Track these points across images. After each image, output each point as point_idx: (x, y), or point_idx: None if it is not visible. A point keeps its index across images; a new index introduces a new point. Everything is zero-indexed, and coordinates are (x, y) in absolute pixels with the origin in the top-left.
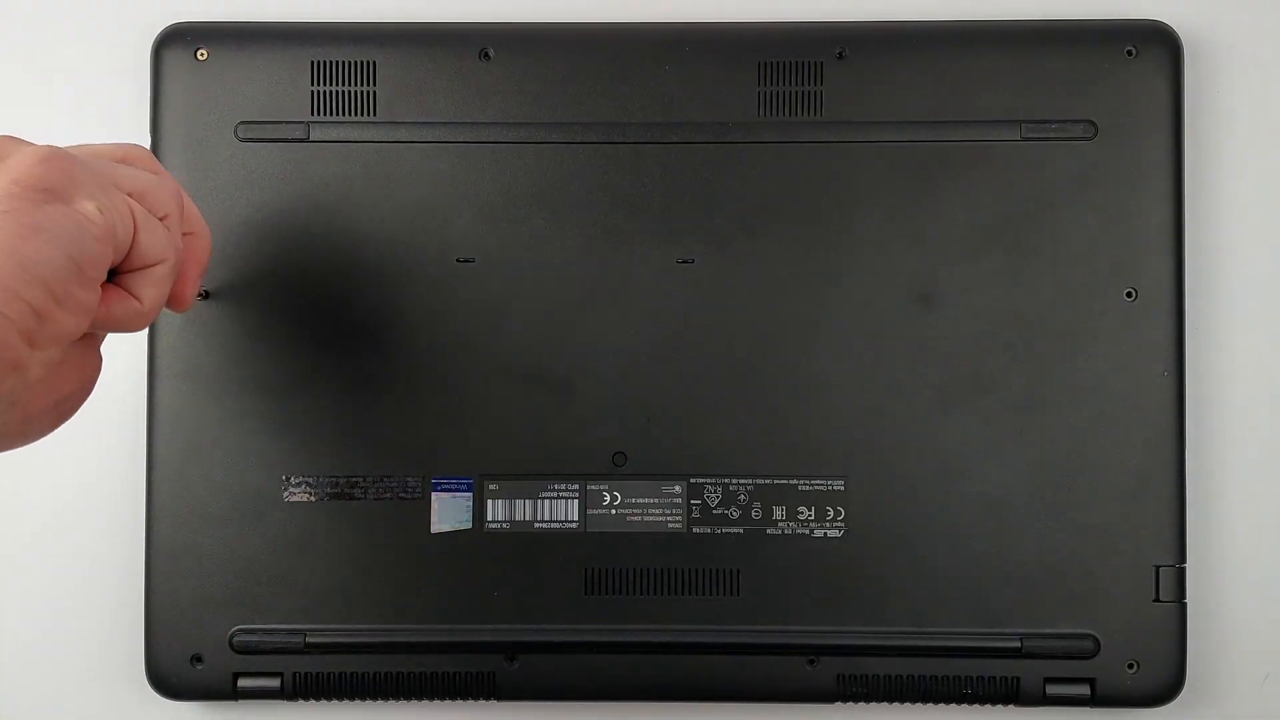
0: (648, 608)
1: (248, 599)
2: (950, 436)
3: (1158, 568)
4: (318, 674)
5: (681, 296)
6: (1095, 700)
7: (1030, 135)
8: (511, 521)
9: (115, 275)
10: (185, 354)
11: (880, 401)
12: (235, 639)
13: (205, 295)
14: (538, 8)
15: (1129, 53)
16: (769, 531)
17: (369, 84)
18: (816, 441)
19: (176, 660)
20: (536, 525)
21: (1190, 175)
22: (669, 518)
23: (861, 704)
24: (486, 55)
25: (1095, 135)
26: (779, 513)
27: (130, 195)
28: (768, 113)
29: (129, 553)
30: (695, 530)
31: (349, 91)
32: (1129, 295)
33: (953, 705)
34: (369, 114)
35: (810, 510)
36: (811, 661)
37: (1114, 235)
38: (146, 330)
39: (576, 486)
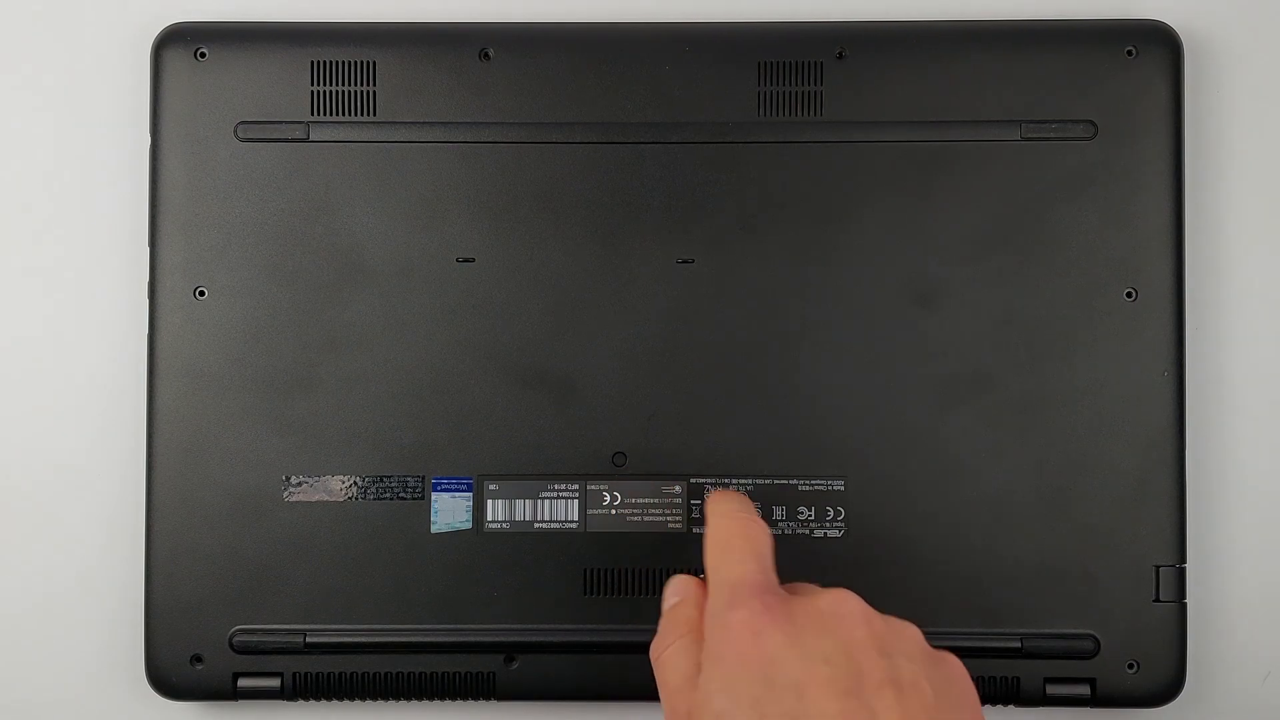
0: (648, 608)
1: (248, 599)
2: (950, 436)
3: (1158, 568)
4: (318, 674)
5: (681, 296)
6: (1095, 700)
7: (1030, 135)
8: (511, 521)
9: None
10: (185, 354)
11: (880, 401)
12: (235, 639)
13: (203, 294)
14: (538, 8)
15: (1129, 53)
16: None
17: (369, 84)
18: (816, 441)
19: (176, 660)
20: (536, 525)
21: (1190, 175)
22: (669, 518)
23: None
24: (486, 55)
25: (1095, 135)
26: (779, 513)
27: None
28: (768, 113)
29: (129, 553)
30: (695, 530)
31: (349, 91)
32: (1129, 295)
33: None
34: (369, 114)
35: (810, 510)
36: None
37: (1114, 235)
38: (146, 330)
39: (576, 486)
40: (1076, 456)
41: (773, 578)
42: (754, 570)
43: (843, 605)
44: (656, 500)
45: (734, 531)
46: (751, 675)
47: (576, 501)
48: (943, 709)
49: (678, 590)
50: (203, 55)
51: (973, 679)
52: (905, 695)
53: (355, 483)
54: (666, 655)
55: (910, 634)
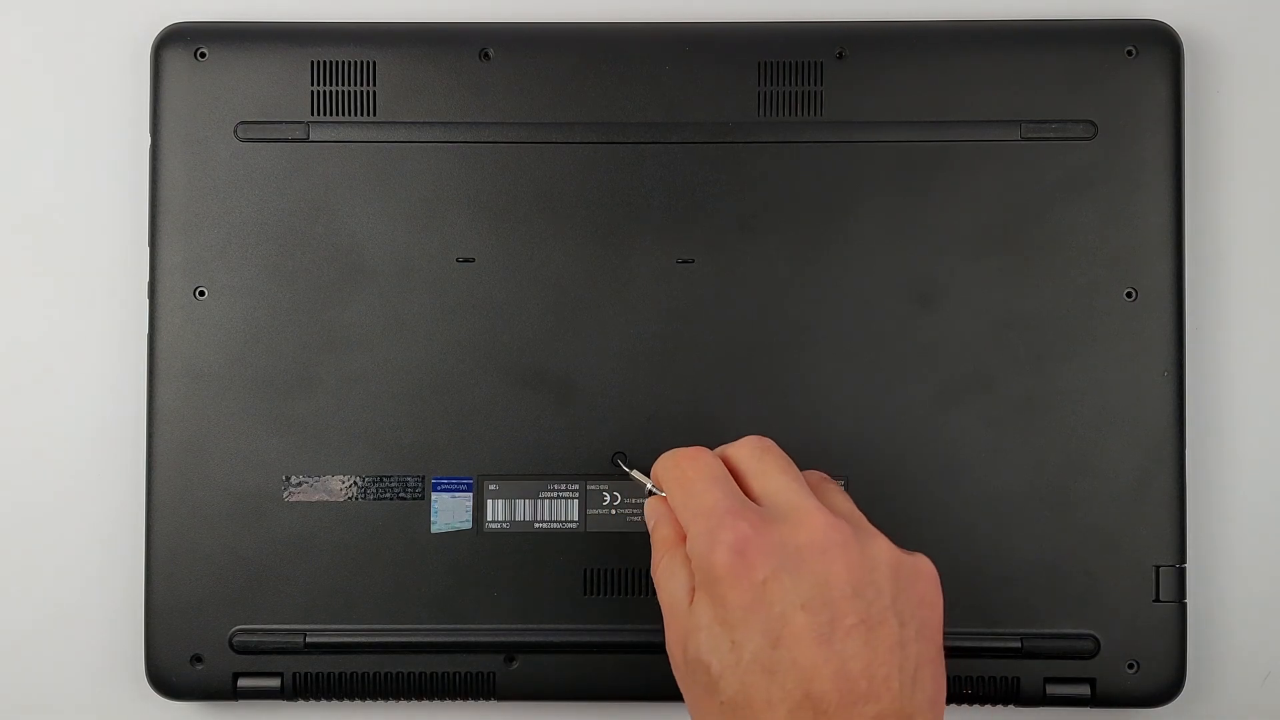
0: (647, 608)
1: (248, 599)
2: (950, 436)
3: (1158, 568)
4: (318, 674)
5: (681, 296)
6: (1095, 700)
7: (1030, 135)
8: (511, 521)
9: None
10: (185, 354)
11: (880, 401)
12: (235, 639)
13: (203, 294)
14: (538, 8)
15: (1129, 53)
16: None
17: (369, 84)
18: (816, 441)
19: (176, 660)
20: (536, 525)
21: (1190, 175)
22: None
23: None
24: (486, 55)
25: (1095, 135)
26: None
27: None
28: (768, 113)
29: (129, 553)
30: None
31: (349, 91)
32: (1129, 295)
33: (953, 705)
34: (369, 114)
35: None
36: None
37: (1114, 235)
38: (146, 330)
39: (576, 486)
40: (1076, 456)
41: (743, 498)
42: (721, 496)
43: (823, 537)
44: None
45: (685, 467)
46: (735, 613)
47: (576, 501)
48: (906, 637)
49: (651, 515)
50: (203, 55)
51: (972, 679)
52: (874, 634)
53: (355, 483)
54: (657, 574)
55: (880, 554)
